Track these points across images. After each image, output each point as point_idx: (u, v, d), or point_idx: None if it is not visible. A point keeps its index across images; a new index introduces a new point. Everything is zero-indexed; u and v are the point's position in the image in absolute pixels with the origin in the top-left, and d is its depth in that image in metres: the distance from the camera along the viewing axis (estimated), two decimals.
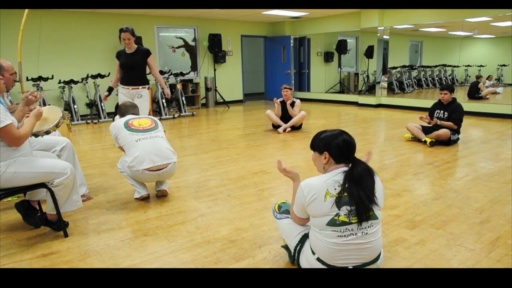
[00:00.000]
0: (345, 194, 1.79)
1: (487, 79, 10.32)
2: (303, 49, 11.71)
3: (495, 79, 10.67)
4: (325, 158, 1.89)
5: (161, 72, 8.98)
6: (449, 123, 5.16)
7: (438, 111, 5.34)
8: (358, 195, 1.77)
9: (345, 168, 1.85)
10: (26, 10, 3.89)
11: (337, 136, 1.89)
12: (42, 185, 2.51)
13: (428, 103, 6.27)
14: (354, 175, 1.80)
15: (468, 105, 7.30)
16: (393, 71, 11.00)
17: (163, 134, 3.34)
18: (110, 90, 4.97)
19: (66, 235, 2.64)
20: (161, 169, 3.20)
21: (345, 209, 1.78)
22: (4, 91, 2.64)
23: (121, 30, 4.58)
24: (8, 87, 2.91)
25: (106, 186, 3.78)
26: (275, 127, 6.57)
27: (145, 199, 3.33)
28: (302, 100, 7.72)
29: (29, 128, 2.48)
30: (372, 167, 1.88)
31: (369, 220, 1.81)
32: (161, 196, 3.42)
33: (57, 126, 2.85)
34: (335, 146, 1.86)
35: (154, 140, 3.22)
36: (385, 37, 9.41)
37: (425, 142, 5.21)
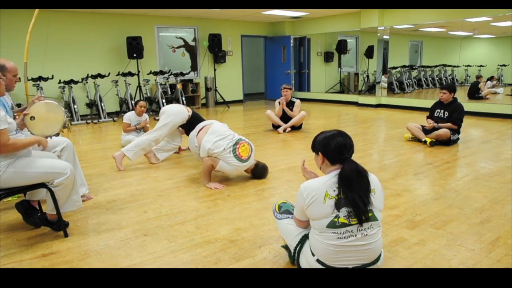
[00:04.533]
0: (343, 195, 1.79)
1: (489, 79, 10.25)
2: (303, 49, 11.70)
3: (496, 80, 10.63)
4: (321, 159, 1.92)
5: (161, 72, 8.99)
6: (448, 124, 5.16)
7: (439, 110, 5.33)
8: (352, 198, 1.76)
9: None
10: (36, 11, 3.76)
11: (331, 137, 1.89)
12: (42, 185, 2.51)
13: (428, 103, 6.27)
14: (342, 176, 1.80)
15: (468, 105, 7.29)
16: (393, 71, 10.99)
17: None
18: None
19: (66, 235, 2.64)
20: None
21: (344, 211, 1.78)
22: (4, 94, 2.62)
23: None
24: (10, 88, 2.88)
25: (106, 186, 3.78)
26: (275, 127, 6.57)
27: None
28: (302, 100, 7.72)
29: (22, 144, 2.43)
30: (369, 167, 1.88)
31: (368, 221, 1.81)
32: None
33: (64, 127, 2.85)
34: (328, 148, 1.88)
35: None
36: (385, 37, 9.41)
37: (425, 142, 5.21)
